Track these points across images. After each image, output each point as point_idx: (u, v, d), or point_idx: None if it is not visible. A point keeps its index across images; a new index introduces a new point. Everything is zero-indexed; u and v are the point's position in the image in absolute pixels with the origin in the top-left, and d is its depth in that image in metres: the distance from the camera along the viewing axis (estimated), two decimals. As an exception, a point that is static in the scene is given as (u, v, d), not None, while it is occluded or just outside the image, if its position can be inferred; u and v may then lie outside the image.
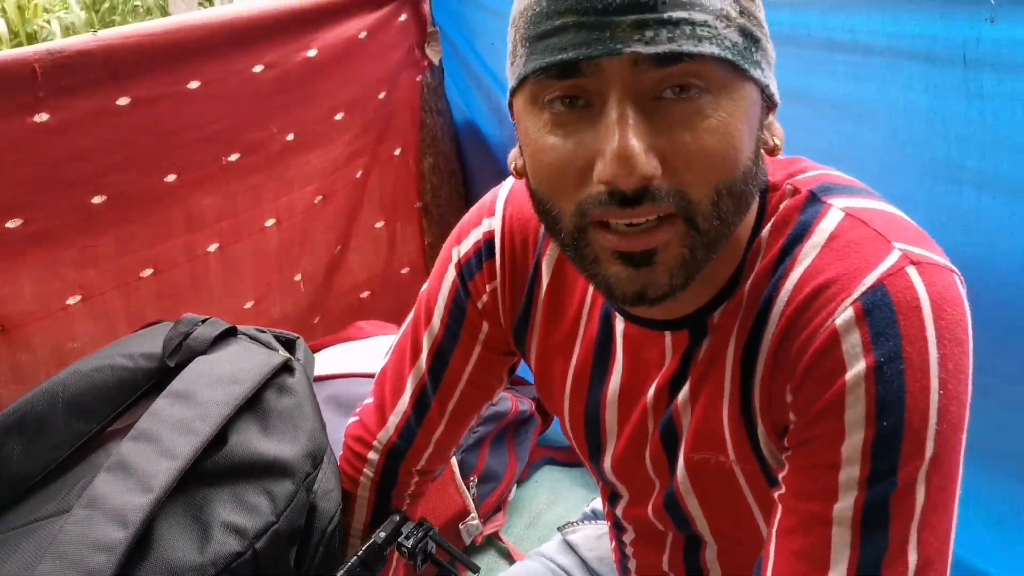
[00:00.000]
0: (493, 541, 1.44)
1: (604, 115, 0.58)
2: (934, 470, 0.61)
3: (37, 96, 1.06)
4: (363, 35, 1.46)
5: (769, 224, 0.68)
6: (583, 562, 1.14)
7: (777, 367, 0.67)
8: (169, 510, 0.85)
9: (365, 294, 1.66)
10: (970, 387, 0.63)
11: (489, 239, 0.86)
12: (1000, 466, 1.17)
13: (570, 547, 1.16)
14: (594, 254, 0.62)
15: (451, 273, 0.89)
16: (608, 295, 0.64)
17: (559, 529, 1.19)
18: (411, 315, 0.96)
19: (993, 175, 1.03)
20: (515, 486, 1.52)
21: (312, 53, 1.38)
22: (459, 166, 1.78)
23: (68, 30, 6.69)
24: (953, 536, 0.64)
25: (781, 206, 0.68)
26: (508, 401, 1.45)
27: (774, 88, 0.64)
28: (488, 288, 0.87)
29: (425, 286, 0.94)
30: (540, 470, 1.59)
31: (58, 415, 0.92)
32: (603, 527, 1.16)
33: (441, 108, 1.70)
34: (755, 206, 0.69)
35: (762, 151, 0.64)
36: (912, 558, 0.61)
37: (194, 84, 1.22)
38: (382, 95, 1.56)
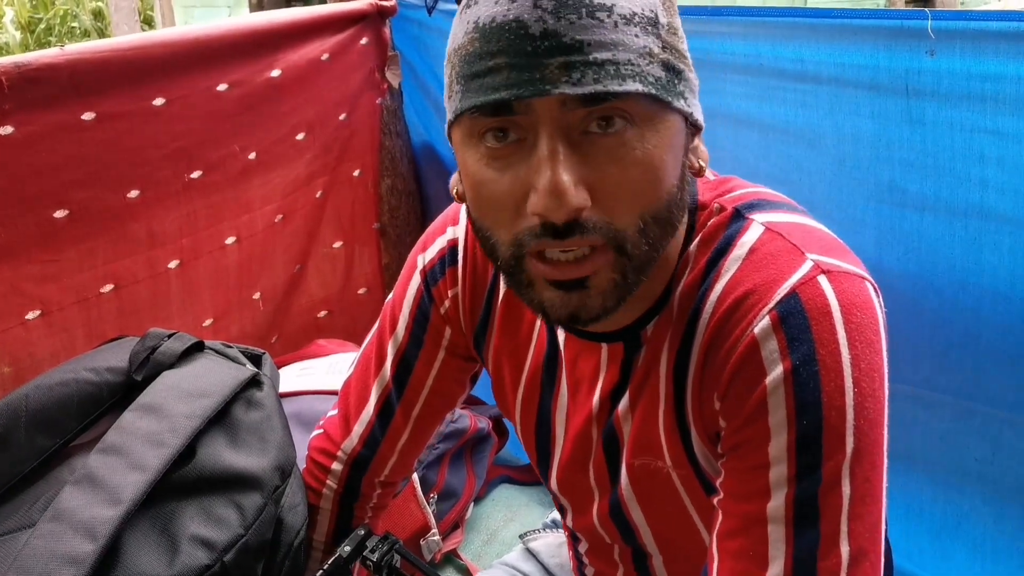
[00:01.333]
0: (451, 558, 1.44)
1: (536, 150, 0.61)
2: (856, 464, 0.65)
3: (3, 109, 1.05)
4: (325, 57, 1.48)
5: (697, 240, 0.72)
6: (544, 568, 1.17)
7: (705, 376, 0.71)
8: (137, 523, 0.85)
9: (322, 313, 1.66)
10: (886, 385, 0.68)
11: (453, 246, 0.90)
12: (940, 477, 1.22)
13: (531, 554, 1.19)
14: (529, 279, 0.66)
15: (416, 279, 0.92)
16: (543, 317, 0.68)
17: (520, 537, 1.22)
18: (375, 326, 0.98)
19: (934, 198, 1.08)
20: (472, 504, 1.52)
21: (275, 73, 1.39)
22: (416, 188, 1.79)
23: (2, 50, 6.55)
24: (883, 527, 0.68)
25: (708, 223, 0.72)
26: (467, 419, 1.47)
27: (698, 114, 0.67)
28: (450, 294, 0.90)
29: (390, 296, 0.97)
30: (496, 488, 1.60)
31: (21, 430, 0.91)
32: (563, 536, 1.18)
33: (400, 131, 1.71)
34: (684, 224, 0.73)
35: (688, 173, 0.68)
36: (845, 549, 0.65)
37: (159, 101, 1.22)
38: (342, 116, 1.57)
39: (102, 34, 6.95)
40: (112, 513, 0.82)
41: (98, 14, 7.02)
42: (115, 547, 0.81)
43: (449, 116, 0.66)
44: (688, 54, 0.67)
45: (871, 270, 1.16)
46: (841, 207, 1.17)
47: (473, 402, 1.66)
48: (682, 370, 0.73)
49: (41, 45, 6.84)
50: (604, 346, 0.78)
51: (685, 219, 0.73)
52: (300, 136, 1.49)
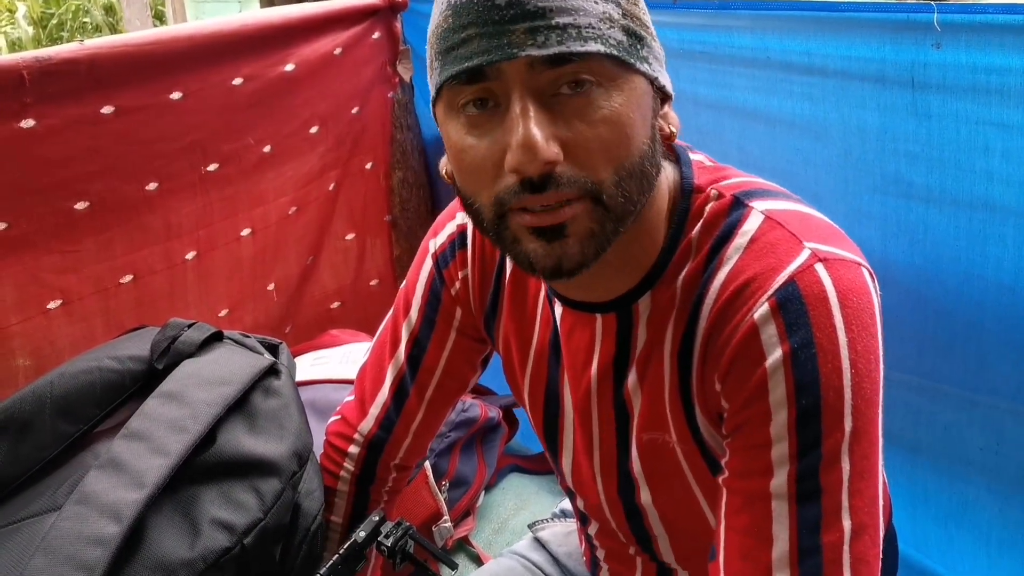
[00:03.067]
0: (463, 545, 1.47)
1: (509, 112, 0.64)
2: (855, 442, 0.67)
3: (24, 102, 1.07)
4: (338, 51, 1.49)
5: (699, 225, 0.75)
6: (553, 558, 1.18)
7: (707, 359, 0.74)
8: (159, 507, 0.87)
9: (335, 304, 1.68)
10: (882, 366, 0.70)
11: (462, 231, 0.93)
12: (945, 466, 1.23)
13: (541, 544, 1.20)
14: (513, 235, 0.69)
15: (428, 263, 0.96)
16: (529, 269, 0.70)
17: (529, 527, 1.23)
18: (390, 313, 1.02)
19: (939, 190, 1.09)
20: (483, 492, 1.55)
21: (289, 67, 1.40)
22: (427, 181, 1.81)
23: (15, 45, 6.58)
24: (880, 501, 0.70)
25: (707, 208, 0.75)
26: (478, 408, 1.49)
27: (665, 82, 0.71)
28: (460, 275, 0.93)
29: (403, 283, 1.00)
30: (507, 477, 1.62)
31: (45, 416, 0.93)
32: (572, 524, 1.20)
33: (411, 124, 1.73)
34: (666, 195, 0.76)
35: (659, 137, 0.72)
36: (847, 523, 0.67)
37: (176, 95, 1.24)
38: (355, 110, 1.59)
39: (114, 29, 6.98)
40: (136, 496, 0.84)
41: (109, 8, 7.04)
42: (139, 529, 0.84)
43: (432, 93, 0.70)
44: (651, 25, 0.71)
45: (876, 261, 1.17)
46: (847, 199, 1.18)
47: (483, 392, 1.68)
48: (686, 352, 0.76)
49: (53, 40, 6.87)
50: (598, 317, 0.80)
51: (675, 196, 0.77)
52: (313, 129, 1.51)
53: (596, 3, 0.65)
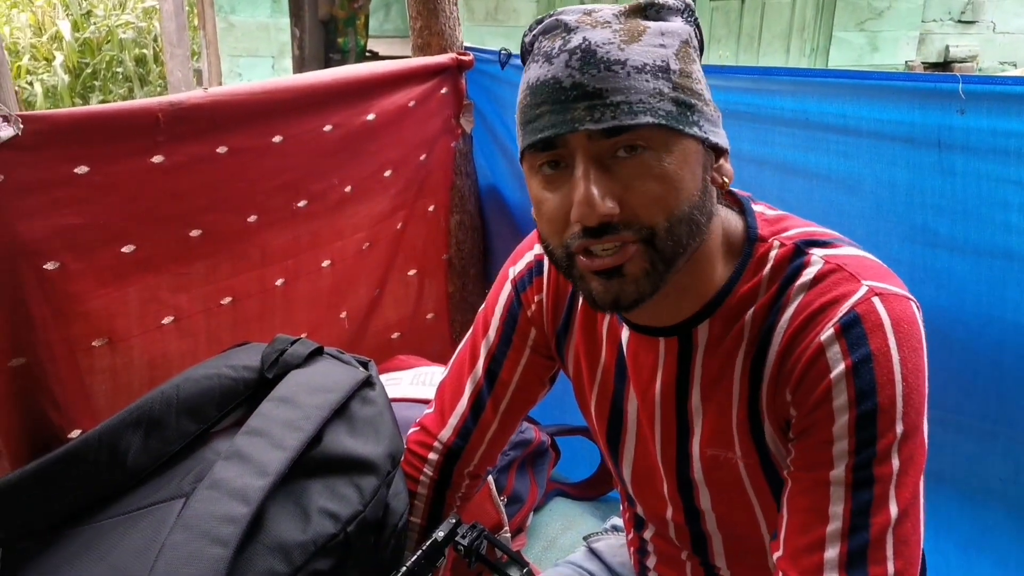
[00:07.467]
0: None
1: (574, 173, 0.79)
2: (904, 443, 0.80)
3: (157, 140, 1.19)
4: (412, 104, 1.63)
5: (766, 269, 0.88)
6: (607, 567, 1.28)
7: (780, 376, 0.86)
8: (275, 495, 0.97)
9: (395, 335, 1.79)
10: (926, 383, 0.83)
11: (539, 260, 1.06)
12: (967, 495, 1.32)
13: (595, 554, 1.30)
14: (579, 273, 0.83)
15: (507, 288, 1.08)
16: (592, 304, 0.85)
17: (584, 538, 1.33)
18: (468, 334, 1.14)
19: (962, 240, 1.19)
20: (532, 513, 1.64)
21: (371, 117, 1.53)
22: (481, 223, 1.93)
23: (49, 92, 6.76)
24: (921, 494, 0.82)
25: (771, 255, 0.88)
26: (532, 431, 1.60)
27: (718, 139, 0.84)
28: (536, 299, 1.06)
29: (482, 307, 1.12)
30: (553, 500, 1.71)
31: (172, 414, 1.04)
32: (623, 538, 1.30)
33: (469, 171, 1.86)
34: (723, 239, 0.89)
35: (711, 188, 0.84)
36: (893, 508, 0.79)
37: (277, 138, 1.37)
38: (422, 157, 1.71)
39: (143, 80, 7.20)
40: (261, 483, 0.95)
41: (140, 60, 7.26)
42: (259, 514, 0.94)
43: (519, 154, 0.85)
44: (704, 93, 0.82)
45: (906, 303, 1.27)
46: (878, 247, 1.26)
47: (530, 422, 1.78)
48: (758, 373, 0.88)
49: (86, 88, 7.08)
50: (661, 340, 0.93)
51: (738, 242, 0.89)
52: (387, 173, 1.64)
53: (647, 81, 0.78)
